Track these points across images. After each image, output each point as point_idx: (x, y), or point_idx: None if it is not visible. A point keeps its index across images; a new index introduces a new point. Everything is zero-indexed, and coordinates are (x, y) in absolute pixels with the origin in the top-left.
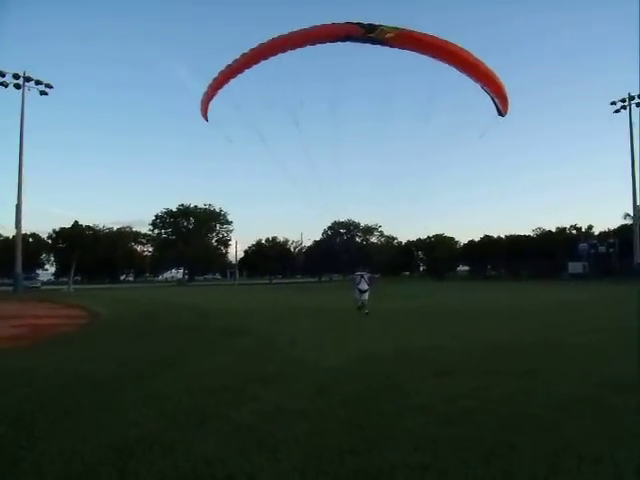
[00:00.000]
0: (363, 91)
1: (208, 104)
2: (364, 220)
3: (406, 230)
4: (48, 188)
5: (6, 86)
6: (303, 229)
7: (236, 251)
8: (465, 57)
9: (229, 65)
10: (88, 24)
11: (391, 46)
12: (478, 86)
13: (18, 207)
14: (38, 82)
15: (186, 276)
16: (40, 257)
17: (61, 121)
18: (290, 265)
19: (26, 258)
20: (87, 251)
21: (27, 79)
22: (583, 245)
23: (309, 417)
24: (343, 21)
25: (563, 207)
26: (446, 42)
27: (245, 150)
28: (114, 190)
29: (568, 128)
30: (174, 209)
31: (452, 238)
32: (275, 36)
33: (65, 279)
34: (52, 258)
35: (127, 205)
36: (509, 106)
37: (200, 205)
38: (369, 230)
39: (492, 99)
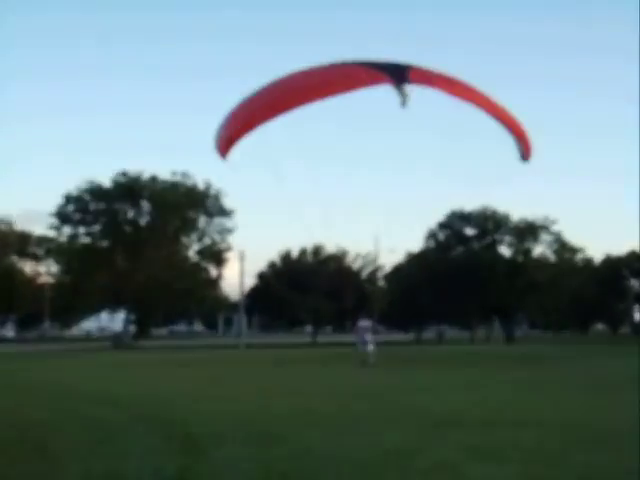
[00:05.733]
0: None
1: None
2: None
3: None
4: None
5: None
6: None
7: (241, 272)
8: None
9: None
10: None
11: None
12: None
13: None
14: None
15: (131, 327)
16: None
17: None
18: (359, 306)
19: None
20: None
21: None
22: None
23: None
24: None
25: None
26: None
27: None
28: None
29: None
30: (106, 183)
31: None
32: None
33: None
34: None
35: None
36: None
37: (164, 174)
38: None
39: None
